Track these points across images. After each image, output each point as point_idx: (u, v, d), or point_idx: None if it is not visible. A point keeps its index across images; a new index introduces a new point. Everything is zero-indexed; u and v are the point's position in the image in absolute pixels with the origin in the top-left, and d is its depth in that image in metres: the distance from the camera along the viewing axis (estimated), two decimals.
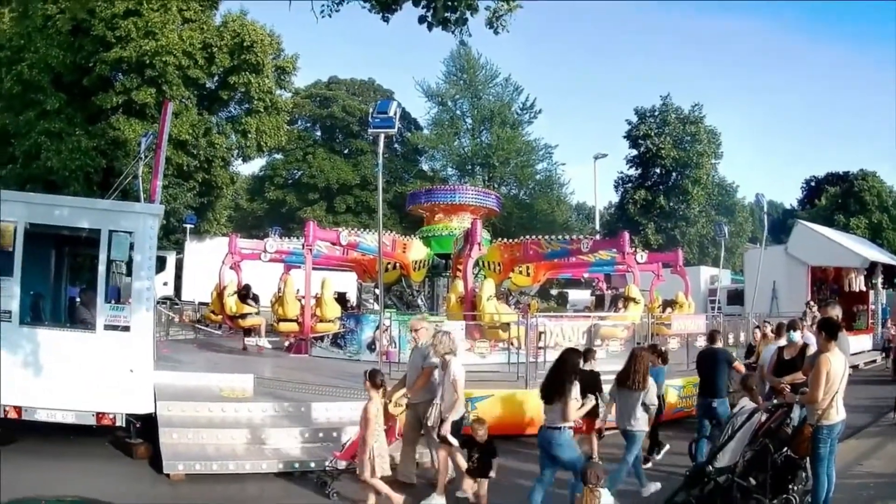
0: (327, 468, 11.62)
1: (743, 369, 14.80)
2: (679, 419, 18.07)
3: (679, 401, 18.61)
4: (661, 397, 14.22)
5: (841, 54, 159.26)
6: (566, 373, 10.17)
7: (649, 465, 13.44)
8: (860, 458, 13.51)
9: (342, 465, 11.65)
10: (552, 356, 18.04)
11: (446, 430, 10.90)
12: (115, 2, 34.80)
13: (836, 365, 9.91)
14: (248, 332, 25.86)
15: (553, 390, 10.10)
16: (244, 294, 25.97)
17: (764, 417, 10.51)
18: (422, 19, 9.73)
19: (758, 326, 20.25)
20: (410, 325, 13.65)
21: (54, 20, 34.86)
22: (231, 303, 25.70)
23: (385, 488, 10.51)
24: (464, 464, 11.09)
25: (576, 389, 10.04)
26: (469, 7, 9.65)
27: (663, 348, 16.92)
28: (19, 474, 10.62)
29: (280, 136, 44.70)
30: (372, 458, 10.33)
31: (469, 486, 11.26)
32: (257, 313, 25.96)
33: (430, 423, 11.35)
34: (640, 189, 62.92)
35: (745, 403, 11.06)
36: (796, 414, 10.80)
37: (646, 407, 12.02)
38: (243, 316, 25.67)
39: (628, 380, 11.86)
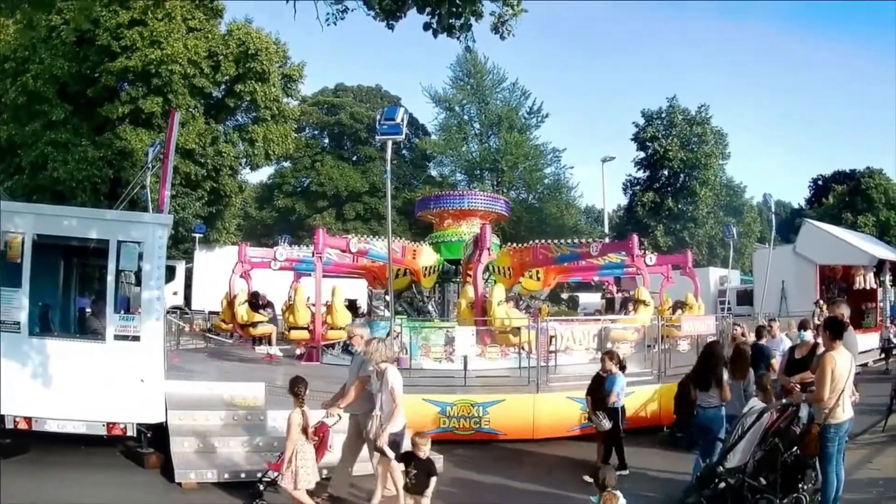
0: (262, 479, 11.15)
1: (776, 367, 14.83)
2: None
3: None
4: (621, 409, 13.92)
5: (846, 52, 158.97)
6: (718, 361, 12.25)
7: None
8: (869, 457, 13.48)
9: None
10: (563, 360, 18.11)
11: (383, 441, 10.52)
12: (120, 12, 34.96)
13: (842, 363, 9.90)
14: (259, 340, 25.92)
15: (708, 377, 12.01)
16: (255, 302, 26.02)
17: (774, 417, 10.50)
18: (426, 26, 9.73)
19: (737, 324, 20.23)
20: (347, 331, 13.47)
21: (59, 31, 35.02)
22: (242, 311, 25.75)
23: (308, 501, 10.39)
24: (401, 479, 10.71)
25: (726, 373, 12.19)
26: (474, 13, 9.65)
27: (622, 355, 16.12)
28: (31, 485, 10.65)
29: (288, 144, 44.77)
30: (294, 469, 10.22)
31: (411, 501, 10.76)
32: (269, 321, 26.01)
33: (370, 436, 10.96)
34: (649, 191, 62.77)
35: (755, 403, 11.05)
36: (804, 413, 10.79)
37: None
38: (254, 324, 25.72)
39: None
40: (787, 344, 15.71)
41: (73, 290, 17.01)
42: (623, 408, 14.04)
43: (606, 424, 13.38)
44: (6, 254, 12.59)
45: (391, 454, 10.59)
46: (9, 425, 12.24)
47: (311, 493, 10.54)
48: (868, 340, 28.81)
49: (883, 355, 29.17)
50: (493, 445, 15.63)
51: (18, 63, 35.69)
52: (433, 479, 10.40)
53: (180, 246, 44.02)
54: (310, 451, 10.48)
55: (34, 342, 12.62)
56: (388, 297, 23.28)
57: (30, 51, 35.55)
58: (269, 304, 26.91)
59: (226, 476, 11.64)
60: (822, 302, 28.42)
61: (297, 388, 10.69)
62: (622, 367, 14.44)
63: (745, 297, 42.24)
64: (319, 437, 10.97)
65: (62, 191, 35.22)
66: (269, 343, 25.71)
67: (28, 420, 12.33)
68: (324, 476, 11.36)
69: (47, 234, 13.25)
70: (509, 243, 32.98)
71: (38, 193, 34.65)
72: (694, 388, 12.26)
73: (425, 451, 10.53)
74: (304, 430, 10.52)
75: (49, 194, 34.61)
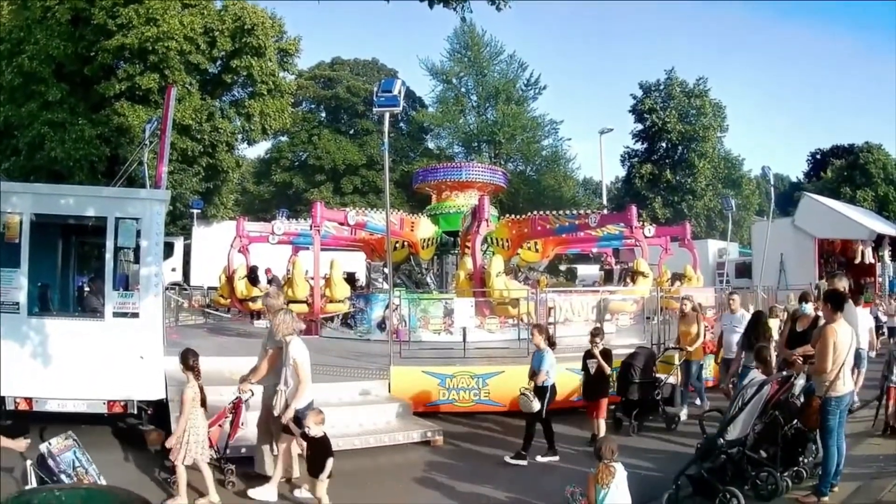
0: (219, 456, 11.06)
1: None
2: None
3: None
4: (550, 388, 12.82)
5: (846, 25, 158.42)
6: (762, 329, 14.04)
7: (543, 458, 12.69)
8: (870, 431, 13.48)
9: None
10: (562, 331, 18.14)
11: (287, 417, 10.17)
12: None
13: (843, 336, 9.89)
14: (259, 315, 25.93)
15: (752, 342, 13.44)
16: (253, 276, 26.08)
17: (774, 388, 10.52)
18: None
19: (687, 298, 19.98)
20: (262, 301, 13.09)
21: (54, 11, 34.87)
22: (241, 286, 25.81)
23: (183, 478, 10.08)
24: (296, 460, 10.67)
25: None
26: None
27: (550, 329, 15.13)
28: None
29: (284, 119, 44.80)
30: (185, 443, 9.99)
31: (307, 483, 10.45)
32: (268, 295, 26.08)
33: (275, 412, 10.52)
34: (647, 163, 62.77)
35: (755, 375, 11.06)
36: (800, 384, 10.82)
37: None
38: (253, 299, 25.76)
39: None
40: (746, 318, 15.59)
41: (71, 269, 17.03)
42: (553, 386, 12.97)
43: (535, 405, 12.53)
44: (4, 234, 12.58)
45: (296, 431, 10.22)
46: (9, 407, 12.26)
47: (213, 467, 10.56)
48: (867, 316, 28.85)
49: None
50: (492, 417, 15.74)
51: (14, 44, 35.60)
52: (330, 461, 9.76)
53: (178, 222, 44.11)
54: (203, 426, 10.29)
55: (33, 322, 12.63)
56: (386, 270, 23.34)
57: (25, 31, 35.43)
58: (272, 280, 27.01)
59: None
60: (821, 283, 28.39)
61: (190, 360, 10.50)
62: (552, 344, 13.38)
63: (744, 270, 42.23)
64: (234, 413, 10.98)
65: (60, 170, 35.20)
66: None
67: (28, 401, 12.35)
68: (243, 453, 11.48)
69: (45, 214, 13.24)
70: (507, 215, 32.99)
71: (35, 174, 34.64)
72: (741, 350, 14.23)
73: (320, 430, 9.93)
74: (203, 404, 10.43)
75: (46, 174, 34.59)
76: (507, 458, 12.36)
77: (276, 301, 11.83)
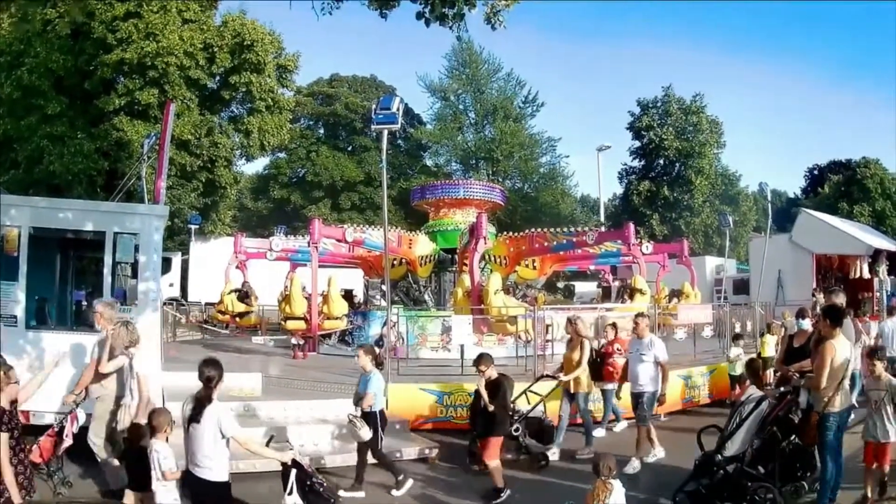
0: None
1: None
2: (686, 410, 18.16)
3: (687, 391, 18.65)
4: (379, 413, 11.77)
5: (842, 41, 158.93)
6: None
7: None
8: None
9: None
10: (559, 349, 18.12)
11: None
12: (115, 4, 34.90)
13: (841, 352, 9.90)
14: (257, 330, 26.04)
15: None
16: (242, 293, 26.24)
17: (773, 405, 10.52)
18: (419, 15, 9.73)
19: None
20: (94, 307, 12.54)
21: (54, 24, 34.96)
22: (228, 301, 25.95)
23: None
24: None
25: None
26: (467, 2, 9.64)
27: (378, 350, 14.32)
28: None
29: (283, 135, 44.83)
30: None
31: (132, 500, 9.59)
32: (252, 312, 26.28)
33: (119, 426, 10.37)
34: (644, 180, 62.76)
35: (752, 391, 11.06)
36: (803, 399, 10.80)
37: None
38: (241, 315, 25.90)
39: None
40: (660, 347, 13.74)
41: (69, 283, 17.00)
42: (383, 412, 12.03)
43: (365, 433, 11.37)
44: (3, 247, 12.58)
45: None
46: None
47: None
48: (865, 330, 28.81)
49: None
50: None
51: (14, 57, 35.63)
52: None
53: (176, 237, 44.11)
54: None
55: (30, 335, 12.64)
56: (384, 287, 23.33)
57: (25, 44, 35.48)
58: (247, 294, 27.07)
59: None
60: (817, 290, 28.40)
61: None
62: (378, 364, 12.60)
63: (742, 286, 42.21)
64: (62, 426, 10.61)
65: (58, 184, 35.18)
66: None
67: (26, 414, 12.30)
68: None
69: (43, 227, 13.25)
70: (505, 232, 33.02)
71: (34, 187, 34.62)
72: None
73: (145, 441, 9.20)
74: None
75: (45, 188, 34.57)
76: (342, 492, 11.21)
77: (111, 312, 11.47)
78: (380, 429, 11.61)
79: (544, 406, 14.38)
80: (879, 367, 10.76)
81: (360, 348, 12.46)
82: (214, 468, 8.10)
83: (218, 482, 8.16)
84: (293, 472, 8.93)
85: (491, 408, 11.71)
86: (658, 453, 13.64)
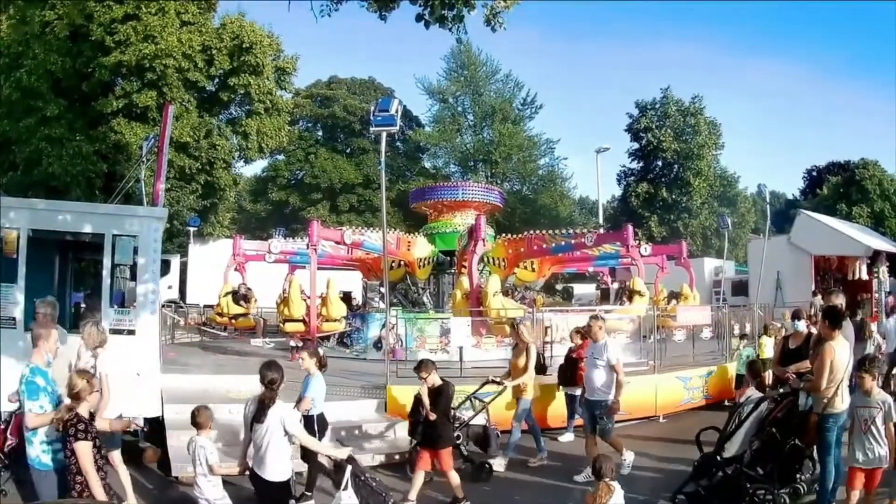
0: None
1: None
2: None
3: (686, 392, 18.66)
4: (318, 417, 11.23)
5: (841, 42, 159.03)
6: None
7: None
8: None
9: None
10: (559, 350, 18.13)
11: (101, 427, 9.12)
12: (114, 6, 34.86)
13: (841, 353, 9.90)
14: (254, 332, 26.04)
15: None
16: (237, 294, 26.28)
17: (772, 407, 10.53)
18: (419, 17, 9.74)
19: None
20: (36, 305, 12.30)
21: (52, 26, 34.90)
22: (224, 303, 25.99)
23: None
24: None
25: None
26: (466, 4, 9.65)
27: (321, 350, 13.07)
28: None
29: (281, 137, 44.77)
30: None
31: None
32: (247, 315, 26.28)
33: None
34: (643, 182, 62.87)
35: (752, 393, 11.06)
36: (802, 401, 10.79)
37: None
38: (235, 317, 25.94)
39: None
40: (613, 350, 13.03)
41: (68, 285, 17.02)
42: (322, 417, 11.45)
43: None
44: (2, 249, 12.58)
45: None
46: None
47: None
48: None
49: None
50: None
51: (12, 59, 35.60)
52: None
53: (175, 240, 44.05)
54: None
55: (29, 337, 12.62)
56: (382, 289, 23.34)
57: (23, 46, 35.43)
58: (245, 297, 27.04)
59: (223, 470, 11.60)
60: (815, 300, 28.37)
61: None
62: (321, 366, 11.78)
63: (741, 288, 42.22)
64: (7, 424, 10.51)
65: (57, 186, 35.10)
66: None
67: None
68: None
69: (42, 230, 13.25)
70: (504, 234, 33.01)
71: (32, 189, 34.53)
72: None
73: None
74: None
75: (44, 190, 34.50)
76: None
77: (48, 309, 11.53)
78: (317, 433, 10.90)
79: (488, 413, 13.99)
80: (869, 380, 9.69)
81: (303, 350, 12.15)
82: (278, 467, 8.28)
83: (281, 481, 8.33)
84: (348, 468, 8.91)
85: (432, 416, 11.38)
86: (628, 459, 12.98)
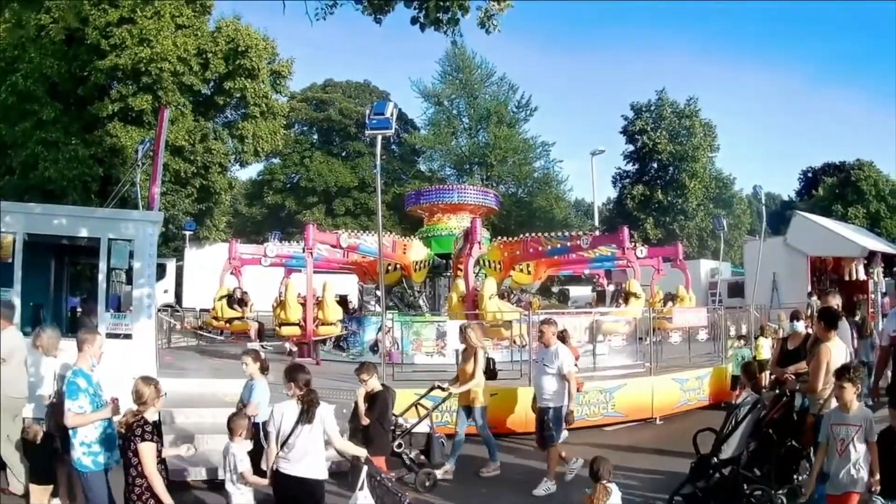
0: None
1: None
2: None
3: (682, 393, 18.67)
4: (264, 423, 9.70)
5: (836, 42, 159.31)
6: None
7: None
8: None
9: None
10: None
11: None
12: (109, 10, 34.83)
13: (837, 354, 9.91)
14: (250, 337, 26.02)
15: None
16: (232, 298, 26.27)
17: (769, 409, 10.54)
18: (414, 20, 9.76)
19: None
20: None
21: (48, 30, 34.85)
22: (218, 307, 26.01)
23: None
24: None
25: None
26: (461, 7, 9.66)
27: (263, 355, 12.56)
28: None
29: (277, 141, 44.79)
30: None
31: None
32: (242, 318, 26.27)
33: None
34: (638, 184, 62.97)
35: (748, 394, 11.07)
36: (798, 401, 10.80)
37: None
38: (230, 320, 25.93)
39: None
40: (566, 358, 12.35)
41: (64, 289, 17.04)
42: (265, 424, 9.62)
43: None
44: None
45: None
46: None
47: None
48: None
49: None
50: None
51: (8, 62, 35.53)
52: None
53: (170, 244, 44.05)
54: None
55: (26, 342, 12.61)
56: (378, 292, 23.30)
57: (19, 50, 35.37)
58: (241, 300, 27.02)
59: (220, 474, 11.52)
60: (812, 301, 28.41)
61: None
62: (264, 369, 11.50)
63: (737, 289, 42.22)
64: None
65: (53, 190, 35.05)
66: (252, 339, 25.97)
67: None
68: None
69: (38, 234, 13.26)
70: (499, 237, 32.97)
71: (29, 193, 34.41)
72: None
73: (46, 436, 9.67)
74: None
75: (40, 194, 34.42)
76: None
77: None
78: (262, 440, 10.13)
79: (431, 420, 13.52)
80: (850, 392, 8.60)
81: (246, 354, 11.68)
82: (322, 466, 8.31)
83: (323, 479, 8.35)
84: (364, 468, 8.93)
85: (365, 421, 11.20)
86: (574, 466, 12.70)
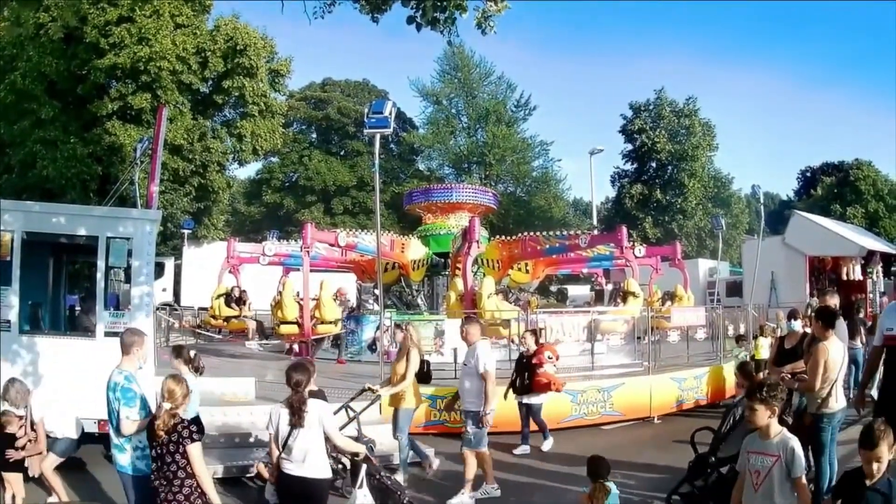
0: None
1: None
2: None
3: (681, 393, 18.68)
4: (195, 419, 9.67)
5: (835, 43, 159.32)
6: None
7: None
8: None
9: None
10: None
11: None
12: (108, 9, 34.88)
13: (835, 353, 9.93)
14: (247, 335, 26.04)
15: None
16: (230, 297, 26.28)
17: None
18: (410, 20, 9.73)
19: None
20: None
21: (46, 28, 34.82)
22: (216, 306, 26.02)
23: None
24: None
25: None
26: (458, 7, 9.64)
27: (193, 353, 12.27)
28: (27, 485, 10.60)
29: (275, 139, 44.87)
30: None
31: None
32: (239, 317, 26.29)
33: None
34: (637, 183, 62.95)
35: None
36: (796, 401, 10.81)
37: None
38: (227, 319, 25.94)
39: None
40: (484, 355, 11.63)
41: (62, 288, 17.00)
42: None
43: None
44: None
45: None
46: None
47: None
48: None
49: None
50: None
51: (6, 61, 35.63)
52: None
53: (169, 242, 44.08)
54: None
55: (24, 340, 12.61)
56: (377, 291, 23.28)
57: (17, 48, 35.45)
58: (239, 299, 27.01)
59: (217, 473, 11.59)
60: (812, 302, 28.40)
61: None
62: (197, 369, 11.59)
63: (735, 288, 42.26)
64: None
65: (52, 188, 35.10)
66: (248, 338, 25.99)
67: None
68: None
69: (36, 232, 13.23)
70: (498, 236, 32.94)
71: (27, 192, 34.48)
72: None
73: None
74: None
75: (39, 192, 34.46)
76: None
77: None
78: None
79: (359, 423, 12.46)
80: (763, 415, 7.01)
81: (173, 353, 11.40)
82: (324, 465, 8.24)
83: (326, 479, 8.30)
84: (363, 466, 8.97)
85: None
86: (491, 491, 11.94)
